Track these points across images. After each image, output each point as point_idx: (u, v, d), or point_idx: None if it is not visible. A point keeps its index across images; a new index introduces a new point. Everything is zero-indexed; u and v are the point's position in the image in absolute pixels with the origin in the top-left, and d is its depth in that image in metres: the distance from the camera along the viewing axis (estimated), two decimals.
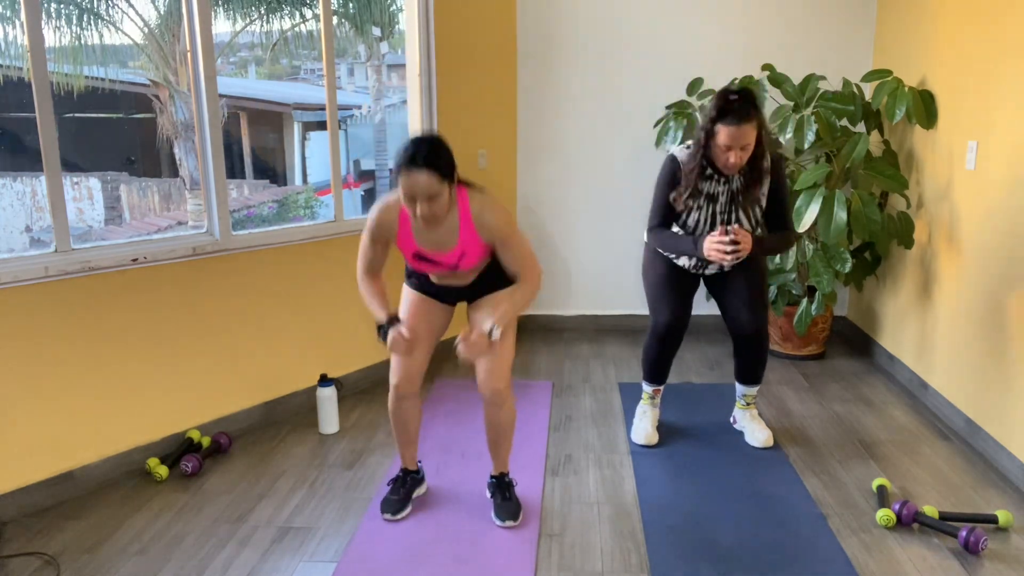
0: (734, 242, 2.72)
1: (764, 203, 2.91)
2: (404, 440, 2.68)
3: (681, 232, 2.95)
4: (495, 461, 2.67)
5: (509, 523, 2.56)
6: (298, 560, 2.40)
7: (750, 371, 3.16)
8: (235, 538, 2.52)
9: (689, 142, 2.91)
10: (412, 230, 2.36)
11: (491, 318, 2.33)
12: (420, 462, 2.80)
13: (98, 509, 2.72)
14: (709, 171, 2.83)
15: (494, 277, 2.48)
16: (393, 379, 2.56)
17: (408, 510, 2.66)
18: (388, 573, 2.32)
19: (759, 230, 2.95)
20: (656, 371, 3.19)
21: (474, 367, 2.54)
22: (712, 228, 2.89)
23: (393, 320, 2.39)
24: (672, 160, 2.90)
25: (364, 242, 2.44)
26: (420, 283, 2.58)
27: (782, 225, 2.94)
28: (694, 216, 2.89)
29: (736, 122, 2.64)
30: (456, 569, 2.33)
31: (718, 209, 2.88)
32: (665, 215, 2.94)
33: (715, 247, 2.75)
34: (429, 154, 2.15)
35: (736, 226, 2.80)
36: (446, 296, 2.59)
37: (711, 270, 3.05)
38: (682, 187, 2.85)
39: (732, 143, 2.67)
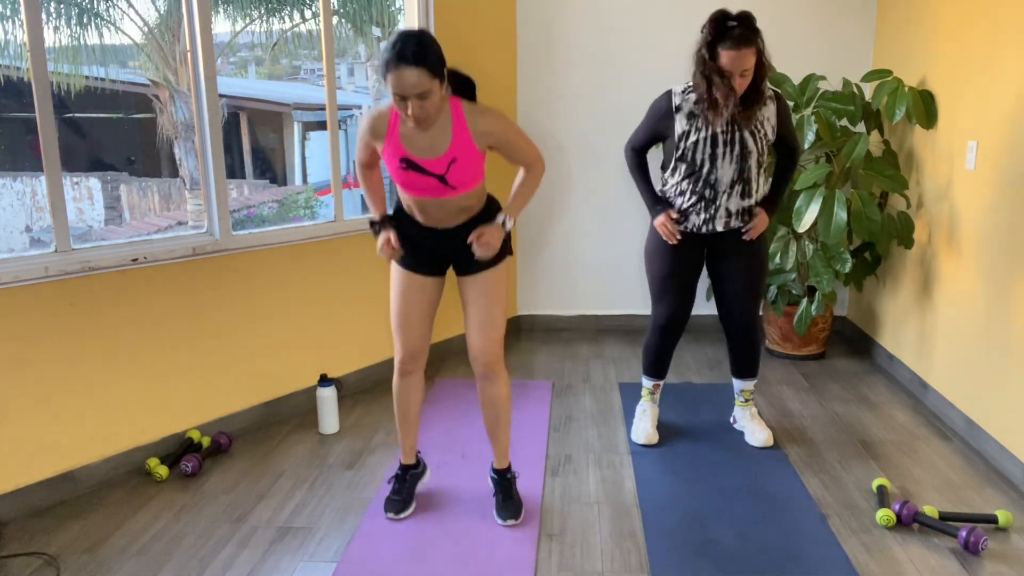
0: (674, 230, 2.90)
1: (771, 135, 2.87)
2: (406, 423, 2.64)
3: (670, 183, 2.96)
4: (495, 449, 2.64)
5: (510, 522, 2.56)
6: (298, 560, 2.40)
7: (743, 363, 3.16)
8: (235, 538, 2.52)
9: (688, 82, 2.85)
10: (400, 136, 2.28)
11: (501, 214, 2.37)
12: (419, 452, 2.79)
13: (98, 509, 2.72)
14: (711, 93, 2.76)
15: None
16: (397, 356, 2.55)
17: (412, 508, 2.66)
18: (388, 573, 2.32)
19: (766, 155, 2.90)
20: (657, 364, 3.19)
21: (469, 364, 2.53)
22: (713, 150, 2.82)
23: (386, 221, 2.42)
24: (666, 95, 2.87)
25: (359, 144, 2.43)
26: (408, 239, 2.47)
27: (788, 150, 2.97)
28: (693, 137, 2.83)
29: (736, 46, 2.59)
30: (456, 569, 2.33)
31: (719, 130, 2.80)
32: (645, 141, 2.98)
33: (664, 226, 2.92)
34: (418, 49, 2.07)
35: (756, 216, 2.93)
36: (435, 252, 2.49)
37: (719, 226, 2.94)
38: (699, 125, 2.81)
39: (732, 68, 2.63)
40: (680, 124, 2.84)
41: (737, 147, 2.82)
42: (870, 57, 4.44)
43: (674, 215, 2.95)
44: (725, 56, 2.62)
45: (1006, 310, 2.94)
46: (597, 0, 4.50)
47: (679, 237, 2.96)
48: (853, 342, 4.56)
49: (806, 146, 3.86)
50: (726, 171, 2.85)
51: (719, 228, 2.95)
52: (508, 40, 4.53)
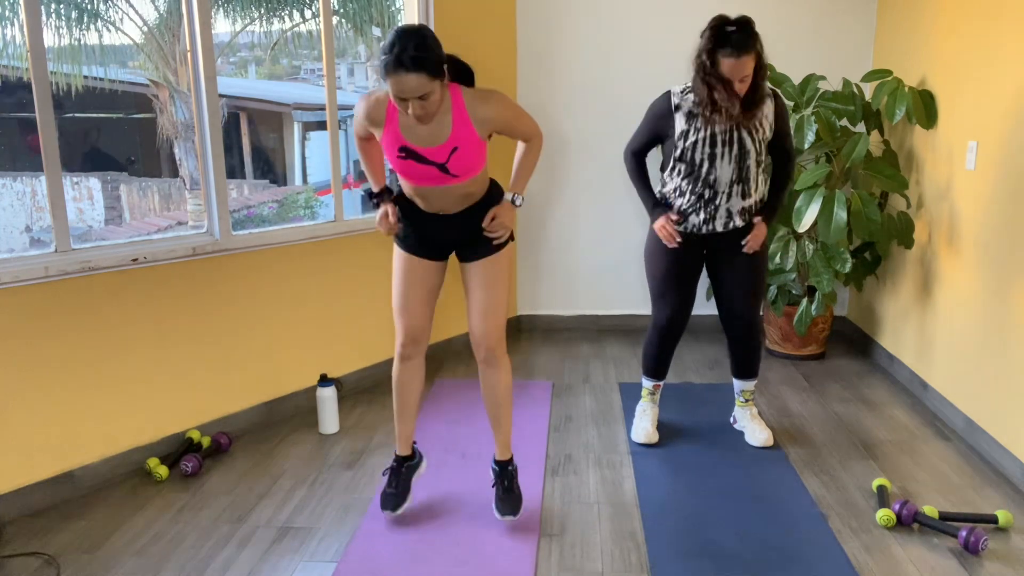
0: (675, 237, 2.90)
1: (768, 133, 2.88)
2: (404, 410, 2.61)
3: (670, 185, 2.96)
4: (497, 439, 2.60)
5: (508, 518, 2.55)
6: (298, 560, 2.40)
7: (744, 363, 3.16)
8: (235, 538, 2.52)
9: (687, 83, 2.86)
10: (400, 125, 2.25)
11: (509, 192, 2.40)
12: (415, 443, 2.73)
13: (98, 509, 2.72)
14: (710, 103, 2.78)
15: (483, 214, 2.42)
16: (398, 339, 2.54)
17: (408, 502, 2.63)
18: (388, 573, 2.32)
19: (763, 155, 2.90)
20: (657, 364, 3.19)
21: (473, 365, 2.53)
22: (712, 149, 2.82)
23: (385, 192, 2.42)
24: (665, 97, 2.88)
25: (355, 123, 2.40)
26: (410, 225, 2.46)
27: (784, 155, 2.96)
28: (692, 137, 2.84)
29: (736, 53, 2.60)
30: (456, 569, 2.33)
31: (717, 130, 2.81)
32: (644, 144, 2.99)
33: (664, 229, 2.91)
34: (416, 53, 2.03)
35: (755, 227, 2.93)
36: (437, 238, 2.47)
37: (717, 227, 2.94)
38: (697, 125, 2.82)
39: (732, 75, 2.64)
40: (679, 123, 2.85)
41: (736, 146, 2.82)
42: (870, 57, 4.44)
43: (674, 217, 2.95)
44: (725, 63, 2.64)
45: (1006, 310, 2.94)
46: (597, 0, 4.50)
47: (679, 240, 2.96)
48: (853, 342, 4.56)
49: (806, 146, 3.86)
50: (725, 170, 2.86)
51: (719, 228, 2.95)
52: (508, 40, 4.53)
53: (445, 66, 2.15)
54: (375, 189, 2.46)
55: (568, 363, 4.26)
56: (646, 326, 4.83)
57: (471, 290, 2.48)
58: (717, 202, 2.90)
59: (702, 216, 2.93)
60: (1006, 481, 2.87)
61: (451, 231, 2.45)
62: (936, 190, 3.59)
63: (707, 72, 2.70)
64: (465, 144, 2.25)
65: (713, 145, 2.83)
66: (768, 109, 2.85)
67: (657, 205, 3.00)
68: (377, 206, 2.44)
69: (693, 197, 2.92)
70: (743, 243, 2.97)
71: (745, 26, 2.63)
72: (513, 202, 2.39)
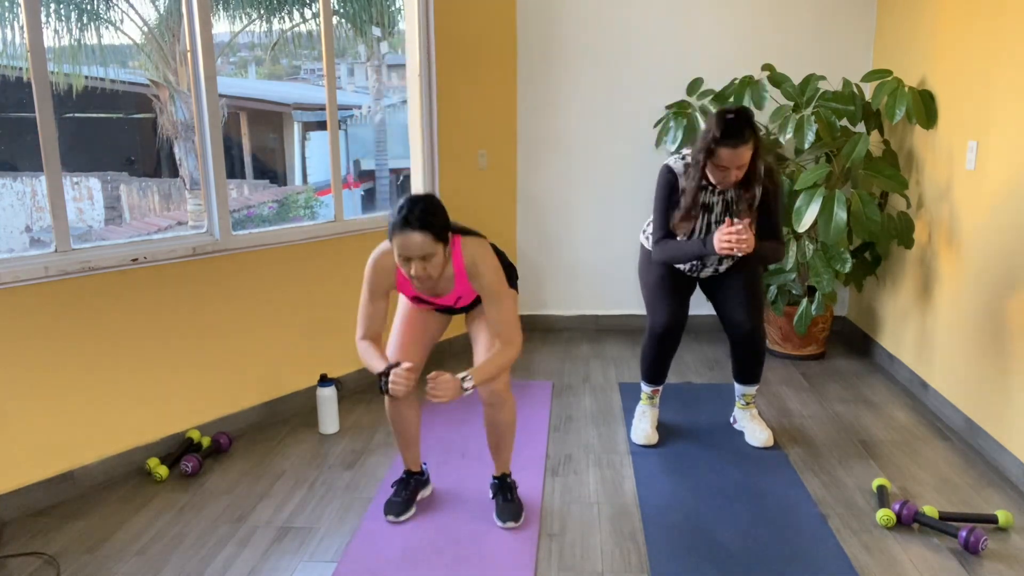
0: (740, 230, 2.74)
1: (754, 210, 2.92)
2: (404, 443, 2.67)
3: (683, 238, 2.98)
4: (496, 462, 2.66)
5: (510, 524, 2.56)
6: (298, 560, 2.40)
7: (747, 371, 3.16)
8: (235, 538, 2.52)
9: (684, 152, 2.94)
10: (410, 279, 2.31)
11: (467, 371, 2.27)
12: (424, 464, 2.80)
13: (98, 509, 2.72)
14: (704, 182, 2.88)
15: None
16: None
17: (412, 512, 2.65)
18: (388, 573, 2.32)
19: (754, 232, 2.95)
20: (655, 372, 3.20)
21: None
22: (706, 233, 2.95)
23: (391, 368, 2.28)
24: (668, 171, 2.93)
25: (364, 298, 2.40)
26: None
27: (771, 235, 2.94)
28: (689, 226, 2.94)
29: (734, 144, 2.69)
30: (456, 569, 2.33)
31: (713, 219, 2.93)
32: (669, 228, 2.98)
33: (725, 239, 2.76)
34: (423, 215, 2.14)
35: (743, 221, 2.84)
36: (444, 309, 2.60)
37: (706, 273, 3.09)
38: (681, 208, 2.89)
39: (730, 164, 2.74)
40: (683, 203, 2.92)
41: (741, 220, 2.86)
42: (870, 57, 4.44)
43: (725, 227, 2.82)
44: (723, 152, 2.71)
45: (1006, 310, 2.94)
46: (598, 0, 4.50)
47: (738, 223, 2.82)
48: (853, 342, 4.56)
49: (806, 146, 3.86)
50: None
51: (703, 276, 3.13)
52: (508, 40, 4.53)
53: (449, 232, 2.24)
54: (380, 369, 2.31)
55: (568, 363, 4.26)
56: (645, 326, 4.84)
57: (477, 336, 2.52)
58: (706, 265, 3.06)
59: (688, 267, 3.08)
60: (1006, 481, 2.87)
61: (459, 309, 2.59)
62: (936, 190, 3.59)
63: (707, 157, 2.78)
64: (467, 293, 2.43)
65: (708, 231, 2.94)
66: (757, 192, 2.88)
67: (703, 240, 2.90)
68: (388, 379, 2.28)
69: (694, 259, 3.01)
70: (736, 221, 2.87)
71: (743, 116, 2.71)
72: (463, 383, 2.24)
